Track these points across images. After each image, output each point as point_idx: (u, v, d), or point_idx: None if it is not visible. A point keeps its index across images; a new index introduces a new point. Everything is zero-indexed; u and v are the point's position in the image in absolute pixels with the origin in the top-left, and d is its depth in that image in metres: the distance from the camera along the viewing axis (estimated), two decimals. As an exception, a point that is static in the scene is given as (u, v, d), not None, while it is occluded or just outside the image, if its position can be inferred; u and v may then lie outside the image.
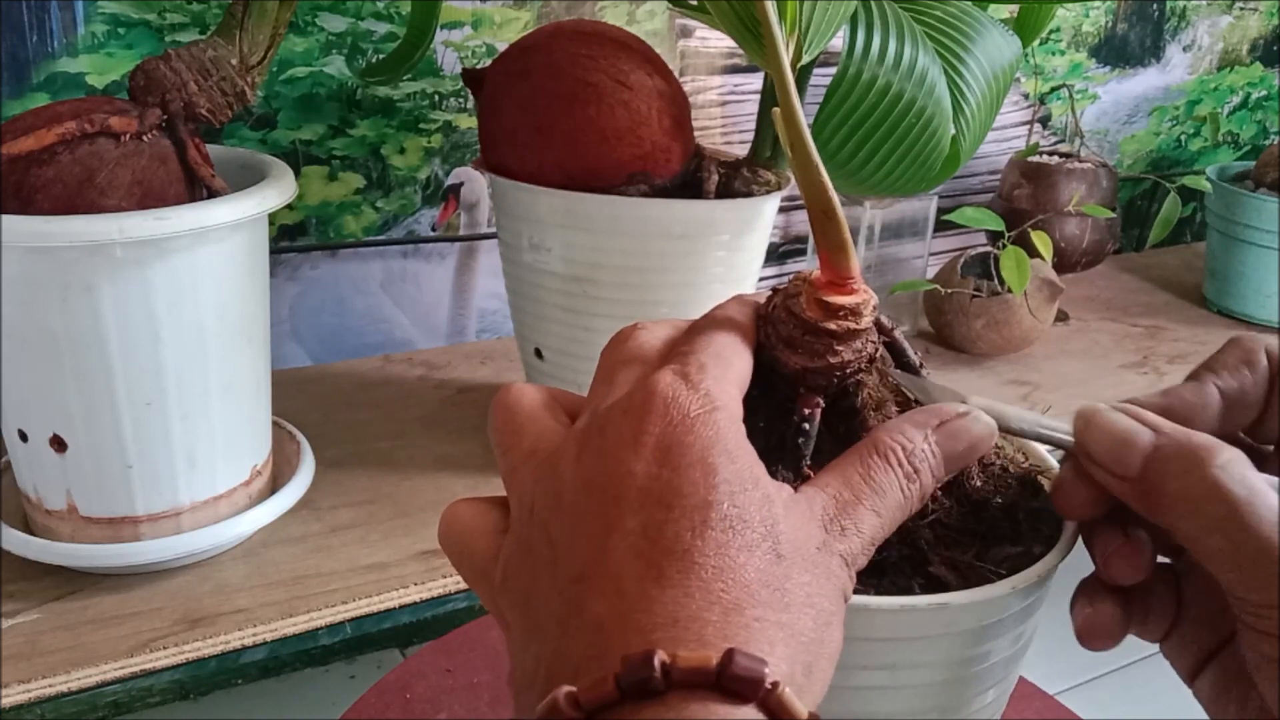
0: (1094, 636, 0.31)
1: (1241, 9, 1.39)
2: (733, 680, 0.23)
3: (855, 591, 0.28)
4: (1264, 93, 1.47)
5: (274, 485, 0.69)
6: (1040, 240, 1.00)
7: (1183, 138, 1.43)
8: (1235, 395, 0.32)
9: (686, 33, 1.04)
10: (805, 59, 0.55)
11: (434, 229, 0.99)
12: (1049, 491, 0.33)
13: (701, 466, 0.26)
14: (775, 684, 0.23)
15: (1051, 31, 1.26)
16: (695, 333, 0.31)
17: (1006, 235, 1.00)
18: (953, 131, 0.64)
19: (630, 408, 0.28)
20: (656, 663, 0.23)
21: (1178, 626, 0.32)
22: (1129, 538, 0.31)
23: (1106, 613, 0.31)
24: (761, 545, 0.26)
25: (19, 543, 0.62)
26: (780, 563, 0.26)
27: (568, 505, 0.27)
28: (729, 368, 0.29)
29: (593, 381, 0.31)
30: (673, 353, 0.30)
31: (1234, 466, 0.28)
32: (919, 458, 0.29)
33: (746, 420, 0.31)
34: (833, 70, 0.61)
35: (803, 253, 1.19)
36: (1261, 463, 0.30)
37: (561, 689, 0.23)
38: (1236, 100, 1.45)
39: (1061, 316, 1.11)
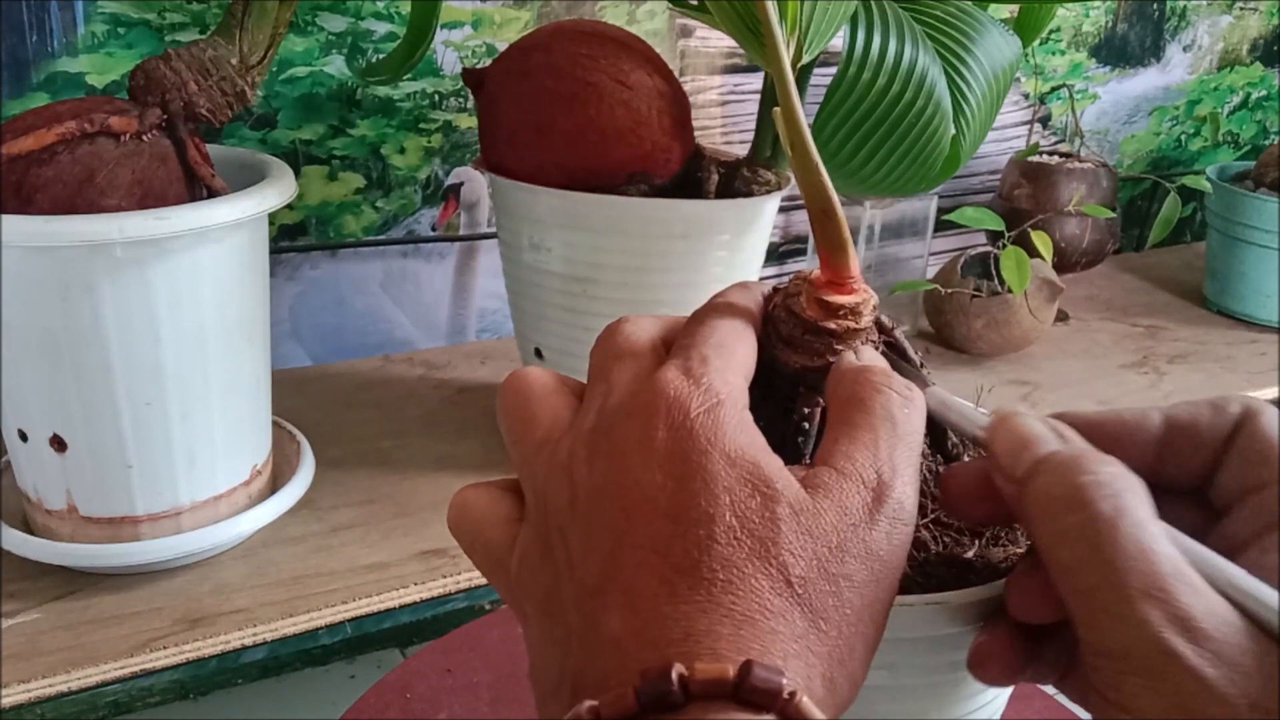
0: (983, 665, 0.28)
1: (1241, 9, 1.39)
2: (751, 691, 0.23)
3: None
4: (1264, 93, 1.46)
5: (274, 485, 0.69)
6: (1040, 240, 1.00)
7: (1183, 138, 1.43)
8: (1185, 425, 0.29)
9: (686, 33, 1.04)
10: (805, 59, 0.55)
11: (434, 229, 0.99)
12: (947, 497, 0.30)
13: (703, 476, 0.26)
14: (793, 694, 0.23)
15: (1051, 31, 1.26)
16: (697, 323, 0.30)
17: (1006, 235, 1.00)
18: (953, 131, 0.64)
19: (635, 409, 0.28)
20: (674, 676, 0.23)
21: (1073, 671, 0.28)
22: (1034, 568, 0.27)
23: (1003, 642, 0.28)
24: (770, 552, 0.25)
25: (19, 543, 0.62)
26: (795, 563, 0.25)
27: (581, 513, 0.27)
28: (732, 356, 0.29)
29: (588, 379, 0.30)
30: (676, 346, 0.30)
31: (1112, 483, 0.25)
32: (896, 380, 0.29)
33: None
34: (833, 70, 0.61)
35: (803, 253, 1.18)
36: (1206, 522, 0.28)
37: (584, 704, 0.24)
38: (1236, 100, 1.45)
39: (1061, 316, 1.11)
